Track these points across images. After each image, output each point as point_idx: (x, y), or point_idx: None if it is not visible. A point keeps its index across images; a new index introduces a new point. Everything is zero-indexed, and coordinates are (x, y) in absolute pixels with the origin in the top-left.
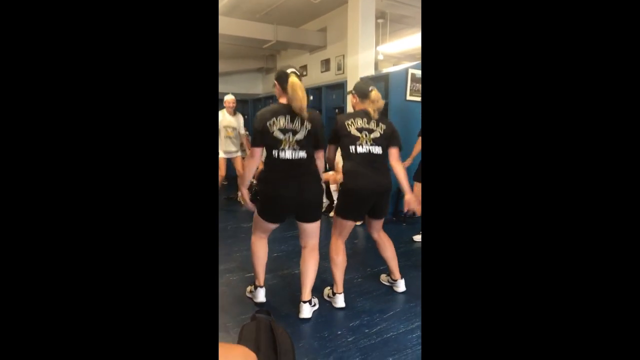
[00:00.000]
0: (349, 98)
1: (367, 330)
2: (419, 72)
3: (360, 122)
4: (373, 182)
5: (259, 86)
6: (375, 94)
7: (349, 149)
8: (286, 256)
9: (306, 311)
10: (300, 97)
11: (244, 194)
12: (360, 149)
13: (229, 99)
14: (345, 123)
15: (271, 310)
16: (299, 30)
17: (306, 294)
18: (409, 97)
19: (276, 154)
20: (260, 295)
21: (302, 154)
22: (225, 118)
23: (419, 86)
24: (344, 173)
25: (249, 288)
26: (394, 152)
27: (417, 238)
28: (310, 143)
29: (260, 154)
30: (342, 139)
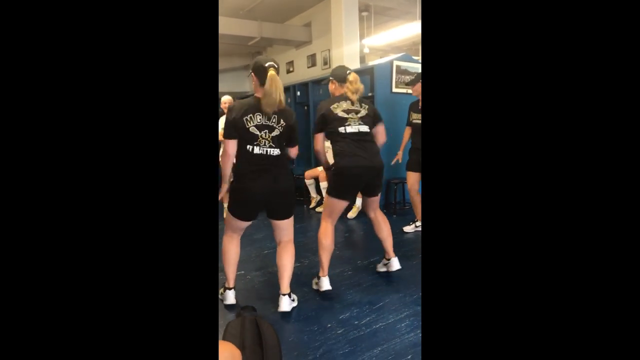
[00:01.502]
0: (329, 85)
1: (356, 322)
2: (404, 64)
3: (345, 105)
4: (364, 160)
5: (246, 84)
6: (353, 76)
7: (339, 131)
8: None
9: (285, 304)
10: (278, 92)
11: (224, 191)
12: (350, 129)
13: (226, 99)
14: (331, 107)
15: (260, 307)
16: (284, 26)
17: (285, 286)
18: (394, 90)
19: (250, 149)
20: (230, 298)
21: (276, 152)
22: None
23: (404, 78)
24: (335, 154)
25: (220, 290)
26: (381, 129)
27: (407, 229)
28: (284, 140)
29: (234, 147)
30: (331, 122)
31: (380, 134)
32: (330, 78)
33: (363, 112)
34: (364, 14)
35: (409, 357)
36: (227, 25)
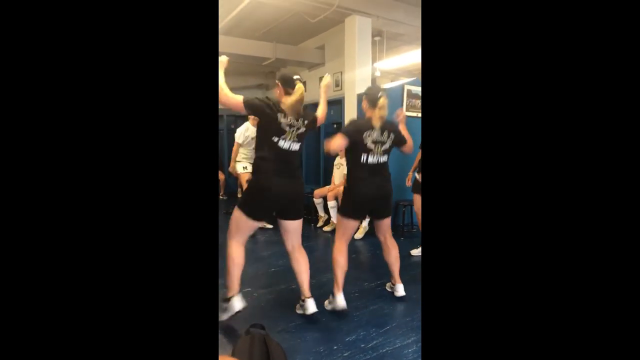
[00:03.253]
0: (363, 103)
1: (363, 345)
2: (415, 88)
3: (375, 135)
4: (376, 187)
5: None
6: (382, 101)
7: (361, 158)
8: (283, 271)
9: (313, 305)
10: (302, 102)
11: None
12: (371, 159)
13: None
14: (363, 135)
15: (266, 325)
16: (298, 48)
17: (307, 290)
18: (405, 113)
19: (276, 141)
20: (237, 304)
21: (296, 147)
22: (250, 128)
23: (415, 102)
24: (350, 179)
25: (225, 315)
26: (406, 149)
27: (415, 252)
28: (305, 135)
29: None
30: (356, 146)
31: (408, 148)
32: (364, 96)
33: (387, 145)
34: (377, 38)
35: None
36: (243, 46)
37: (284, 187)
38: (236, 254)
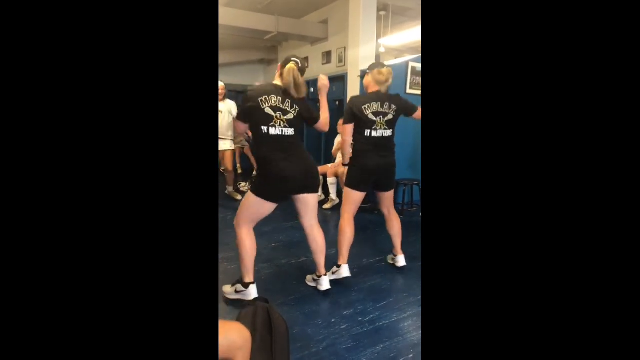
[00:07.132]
0: (365, 78)
1: (360, 319)
2: (419, 66)
3: (375, 106)
4: (378, 159)
5: (261, 77)
6: (386, 69)
7: (364, 132)
8: (284, 247)
9: (327, 283)
10: (292, 78)
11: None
12: (374, 133)
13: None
14: (363, 107)
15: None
16: (301, 22)
17: (323, 268)
18: (408, 91)
19: (265, 130)
20: (253, 293)
21: (290, 132)
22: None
23: (419, 79)
24: (355, 151)
25: (230, 288)
26: (417, 115)
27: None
28: (300, 122)
29: (244, 129)
30: (359, 121)
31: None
32: (367, 71)
33: (390, 116)
34: (382, 13)
35: (410, 356)
36: (245, 19)
37: (296, 175)
38: (246, 239)
